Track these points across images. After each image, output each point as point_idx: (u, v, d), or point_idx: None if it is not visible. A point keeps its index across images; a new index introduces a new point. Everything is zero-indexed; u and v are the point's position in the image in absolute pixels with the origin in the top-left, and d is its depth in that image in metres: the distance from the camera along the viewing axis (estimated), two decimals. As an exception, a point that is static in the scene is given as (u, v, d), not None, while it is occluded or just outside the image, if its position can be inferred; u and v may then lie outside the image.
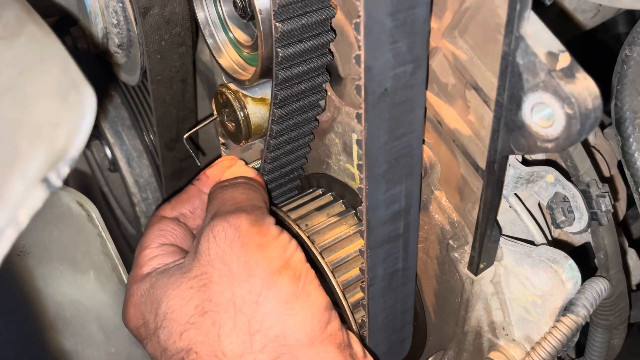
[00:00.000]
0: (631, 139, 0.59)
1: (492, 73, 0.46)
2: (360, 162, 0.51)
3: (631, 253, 0.72)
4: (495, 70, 0.43)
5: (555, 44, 0.40)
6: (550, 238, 0.62)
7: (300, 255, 0.55)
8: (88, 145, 1.12)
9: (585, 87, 0.39)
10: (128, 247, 1.20)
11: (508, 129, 0.44)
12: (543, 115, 0.41)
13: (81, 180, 1.21)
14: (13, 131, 0.34)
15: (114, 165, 1.05)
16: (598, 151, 0.72)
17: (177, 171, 0.96)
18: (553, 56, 0.39)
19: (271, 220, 0.57)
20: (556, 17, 0.80)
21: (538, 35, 0.40)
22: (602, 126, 0.79)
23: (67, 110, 0.33)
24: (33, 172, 0.31)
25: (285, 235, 0.56)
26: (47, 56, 0.37)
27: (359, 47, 0.44)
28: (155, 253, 0.57)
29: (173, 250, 0.58)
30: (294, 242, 0.56)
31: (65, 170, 0.31)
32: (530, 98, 0.41)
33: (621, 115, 0.59)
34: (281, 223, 0.68)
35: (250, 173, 0.67)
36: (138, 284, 0.55)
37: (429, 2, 0.44)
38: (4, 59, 0.39)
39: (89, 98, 0.33)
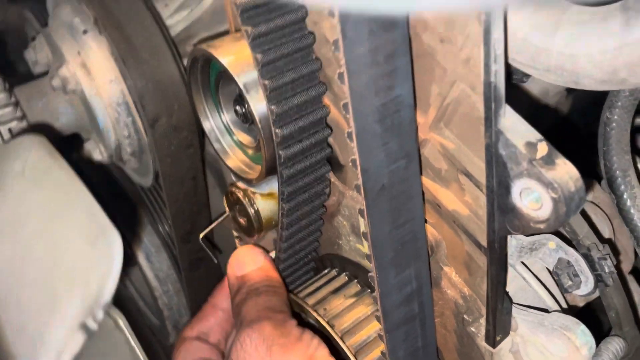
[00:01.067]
0: (625, 196, 0.61)
1: (480, 159, 0.49)
2: (368, 253, 0.53)
3: (647, 302, 0.73)
4: (483, 156, 0.47)
5: (533, 134, 0.43)
6: (563, 299, 0.64)
7: (323, 351, 0.58)
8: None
9: (565, 171, 0.42)
10: (154, 337, 1.21)
11: (502, 211, 0.47)
12: (531, 199, 0.44)
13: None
14: (49, 278, 0.37)
15: (134, 259, 1.08)
16: (597, 205, 0.74)
17: (195, 261, 0.99)
18: (532, 146, 0.42)
19: (293, 322, 0.60)
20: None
21: (516, 128, 0.43)
22: (599, 178, 0.81)
23: (97, 256, 0.36)
24: (71, 319, 0.34)
25: (307, 334, 0.59)
26: (74, 202, 0.41)
27: (354, 152, 0.47)
28: None
29: None
30: (316, 340, 0.59)
31: (100, 315, 0.34)
32: (517, 184, 0.44)
33: (612, 174, 0.62)
34: (300, 309, 0.70)
35: (261, 259, 0.70)
36: None
37: (412, 104, 0.48)
38: (34, 204, 0.43)
39: (115, 243, 0.36)
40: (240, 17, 0.54)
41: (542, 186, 0.42)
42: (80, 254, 0.37)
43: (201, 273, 1.00)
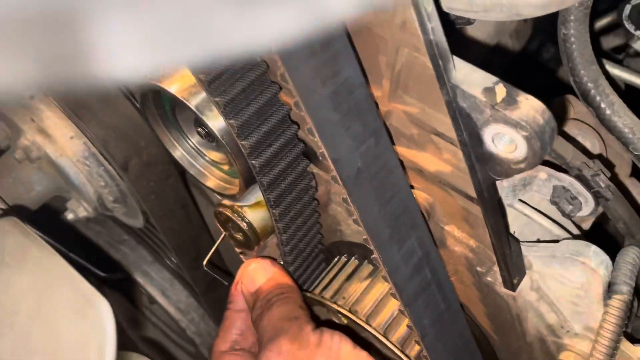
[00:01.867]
0: (602, 106, 0.60)
1: (445, 116, 0.48)
2: (365, 237, 0.53)
3: (654, 199, 0.72)
4: (447, 113, 0.46)
5: (488, 79, 0.42)
6: (570, 224, 0.63)
7: (347, 346, 0.57)
8: (121, 288, 1.16)
9: (530, 106, 0.41)
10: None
11: (480, 161, 0.46)
12: (505, 142, 0.43)
13: (130, 314, 1.25)
14: (53, 363, 0.37)
15: (152, 298, 1.08)
16: (579, 120, 0.73)
17: (211, 284, 0.98)
18: (490, 91, 0.41)
19: (309, 328, 0.59)
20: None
21: (469, 78, 0.42)
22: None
23: (89, 328, 0.36)
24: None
25: (327, 335, 0.58)
26: (57, 279, 0.41)
27: (319, 146, 0.46)
28: None
29: None
30: (337, 337, 0.58)
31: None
32: (486, 132, 0.43)
33: (584, 88, 0.61)
34: (320, 304, 0.70)
35: (270, 269, 0.69)
36: None
37: (363, 82, 0.47)
38: (21, 290, 0.42)
39: (104, 311, 0.36)
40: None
41: (510, 128, 0.41)
42: (75, 330, 0.36)
43: (220, 293, 1.00)
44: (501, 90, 0.41)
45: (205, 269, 0.71)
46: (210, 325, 1.06)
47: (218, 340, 0.68)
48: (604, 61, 0.72)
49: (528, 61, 1.03)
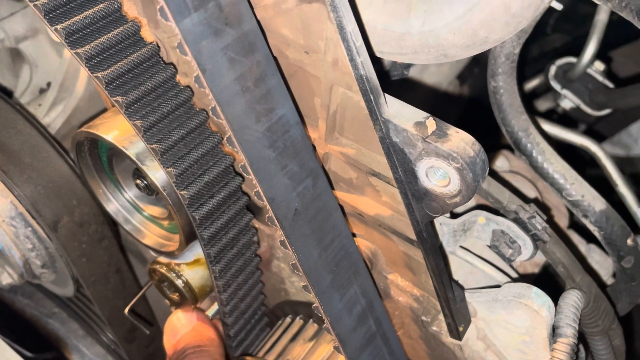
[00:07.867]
0: (534, 154, 0.62)
1: (381, 155, 0.48)
2: (304, 284, 0.50)
3: (593, 250, 0.74)
4: (382, 151, 0.46)
5: (418, 114, 0.43)
6: (513, 271, 0.63)
7: None
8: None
9: (460, 139, 0.41)
10: None
11: (416, 199, 0.46)
12: (438, 176, 0.43)
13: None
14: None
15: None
16: (517, 173, 0.75)
17: (147, 358, 0.91)
18: (421, 125, 0.42)
19: None
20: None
21: (401, 113, 0.43)
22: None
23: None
24: None
25: None
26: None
27: (254, 184, 0.45)
28: None
29: None
30: None
31: None
32: (420, 166, 0.43)
33: (515, 137, 0.63)
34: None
35: (194, 320, 0.66)
36: None
37: (298, 121, 0.47)
38: None
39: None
40: (106, 89, 0.51)
41: (442, 160, 0.41)
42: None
43: (157, 368, 0.92)
44: (431, 124, 0.42)
45: (127, 315, 0.67)
46: (147, 406, 0.97)
47: None
48: (535, 117, 0.76)
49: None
